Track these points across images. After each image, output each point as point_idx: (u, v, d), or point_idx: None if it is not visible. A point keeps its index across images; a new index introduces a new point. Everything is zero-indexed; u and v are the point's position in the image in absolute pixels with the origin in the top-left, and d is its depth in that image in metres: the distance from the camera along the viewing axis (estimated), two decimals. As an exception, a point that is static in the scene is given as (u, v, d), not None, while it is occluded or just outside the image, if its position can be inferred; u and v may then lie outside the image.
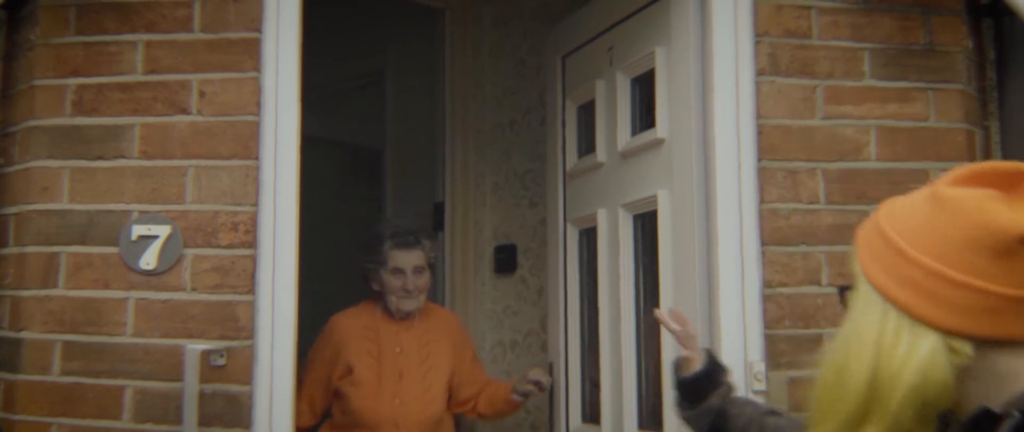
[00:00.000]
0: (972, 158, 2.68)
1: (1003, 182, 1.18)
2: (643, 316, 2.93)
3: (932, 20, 2.69)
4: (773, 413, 2.08)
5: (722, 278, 2.54)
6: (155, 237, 2.46)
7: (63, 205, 2.49)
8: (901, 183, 2.61)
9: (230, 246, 2.47)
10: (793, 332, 2.53)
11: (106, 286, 2.46)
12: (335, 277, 4.40)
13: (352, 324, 3.28)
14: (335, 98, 4.77)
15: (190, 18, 2.53)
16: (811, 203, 2.58)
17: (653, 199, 2.81)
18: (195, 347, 2.39)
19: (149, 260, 2.45)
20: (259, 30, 2.53)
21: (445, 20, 4.18)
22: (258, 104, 2.50)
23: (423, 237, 3.36)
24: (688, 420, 2.15)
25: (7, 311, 2.52)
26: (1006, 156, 2.74)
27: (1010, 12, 2.57)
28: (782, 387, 2.51)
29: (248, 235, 2.47)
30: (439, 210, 4.14)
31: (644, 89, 2.96)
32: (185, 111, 2.50)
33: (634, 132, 2.99)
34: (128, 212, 2.48)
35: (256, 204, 2.48)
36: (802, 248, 2.57)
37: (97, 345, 2.43)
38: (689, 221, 2.65)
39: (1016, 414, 1.09)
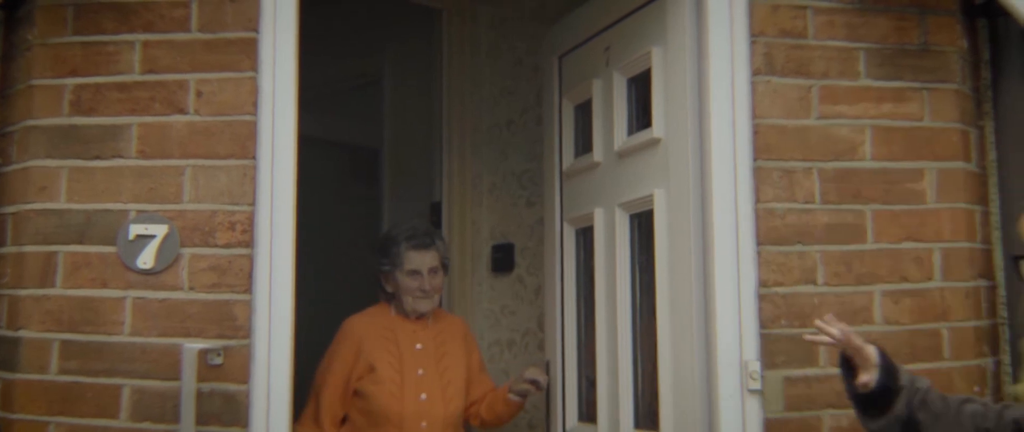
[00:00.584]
0: (967, 158, 2.69)
1: None
2: (639, 315, 2.94)
3: (927, 20, 2.70)
4: (969, 401, 2.05)
5: (718, 277, 2.55)
6: (153, 236, 2.47)
7: (61, 204, 2.49)
8: (896, 183, 2.63)
9: (227, 245, 2.47)
10: (789, 331, 2.54)
11: (104, 285, 2.46)
12: (333, 276, 4.41)
13: (369, 324, 3.27)
14: (333, 98, 4.77)
15: (187, 18, 2.54)
16: (807, 202, 2.59)
17: (649, 198, 2.82)
18: (192, 346, 2.40)
19: (147, 259, 2.46)
20: (256, 30, 2.53)
21: (443, 20, 4.19)
22: (255, 104, 2.51)
23: (437, 237, 3.39)
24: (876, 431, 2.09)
25: (5, 310, 2.53)
26: (1001, 156, 2.75)
27: (1004, 12, 2.58)
28: (778, 386, 2.52)
29: (245, 235, 2.48)
30: (436, 209, 4.15)
31: (640, 89, 2.97)
32: (182, 111, 2.51)
33: (630, 132, 3.00)
34: (126, 212, 2.48)
35: (253, 204, 2.49)
36: (798, 247, 2.57)
37: (95, 344, 2.44)
38: (685, 220, 2.66)
39: None
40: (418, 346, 3.25)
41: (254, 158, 2.50)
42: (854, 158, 2.62)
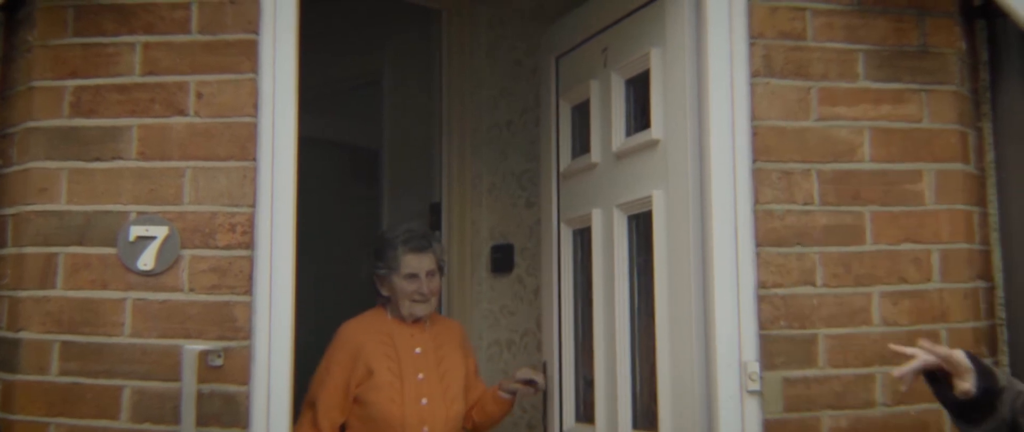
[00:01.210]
0: (965, 159, 2.70)
1: None
2: (637, 315, 2.95)
3: (926, 22, 2.71)
4: None
5: (717, 278, 2.56)
6: (153, 238, 2.47)
7: (61, 206, 2.50)
8: (895, 184, 2.63)
9: (228, 247, 2.48)
10: (788, 332, 2.55)
11: (104, 287, 2.47)
12: (333, 276, 4.42)
13: (366, 328, 3.21)
14: (333, 98, 4.78)
15: (188, 20, 2.54)
16: (806, 204, 2.60)
17: (648, 199, 2.82)
18: (193, 347, 2.40)
19: (147, 261, 2.46)
20: (256, 32, 2.54)
21: (442, 21, 4.19)
22: (255, 105, 2.52)
23: (434, 240, 3.33)
24: None
25: (5, 311, 2.53)
26: (999, 157, 2.75)
27: (1003, 14, 2.59)
28: (777, 387, 2.52)
29: (245, 236, 2.48)
30: (436, 210, 4.16)
31: (639, 90, 2.97)
32: (183, 112, 2.51)
33: (629, 133, 3.00)
34: (126, 213, 2.49)
35: (254, 205, 2.49)
36: (797, 249, 2.58)
37: (95, 345, 2.44)
38: (684, 222, 2.66)
39: None
40: (417, 350, 3.21)
41: (254, 160, 2.50)
42: (853, 159, 2.63)
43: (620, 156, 3.00)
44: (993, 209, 2.75)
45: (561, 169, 3.37)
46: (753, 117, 2.61)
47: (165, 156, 2.50)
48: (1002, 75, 2.76)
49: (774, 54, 2.63)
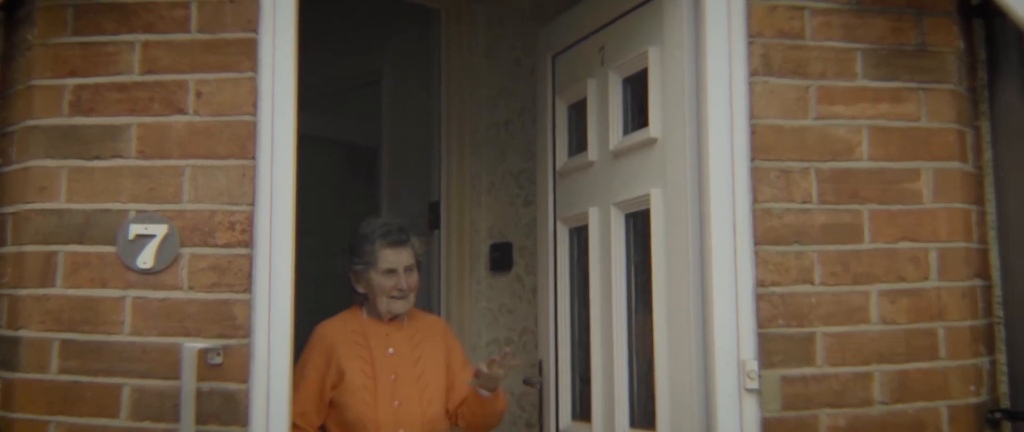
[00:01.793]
0: (963, 158, 2.70)
1: None
2: (635, 314, 2.95)
3: (924, 21, 2.71)
4: None
5: (715, 277, 2.56)
6: (152, 236, 2.47)
7: (61, 204, 2.50)
8: (893, 183, 2.64)
9: (227, 245, 2.48)
10: (786, 331, 2.55)
11: (103, 285, 2.47)
12: (332, 274, 4.41)
13: (339, 329, 3.13)
14: (332, 97, 4.78)
15: (187, 19, 2.54)
16: (804, 203, 2.60)
17: (646, 198, 2.82)
18: (192, 346, 2.41)
19: (146, 259, 2.47)
20: (255, 31, 2.54)
21: (441, 20, 4.20)
22: (255, 104, 2.52)
23: (412, 234, 3.22)
24: None
25: (5, 310, 2.53)
26: (997, 156, 2.76)
27: (1001, 13, 2.59)
28: (775, 385, 2.52)
29: (245, 234, 2.49)
30: (435, 209, 4.17)
31: (636, 89, 2.98)
32: (182, 111, 2.52)
33: (626, 131, 3.01)
34: (125, 211, 2.49)
35: (253, 203, 2.50)
36: (795, 247, 2.58)
37: (95, 344, 2.45)
38: (682, 220, 2.67)
39: None
40: (390, 351, 3.11)
41: (253, 158, 2.51)
42: (851, 158, 2.63)
43: (617, 154, 3.01)
44: (991, 208, 2.76)
45: (557, 167, 3.38)
46: (751, 116, 2.61)
47: (164, 155, 2.51)
48: (1000, 74, 2.77)
49: (772, 53, 2.63)
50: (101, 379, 2.43)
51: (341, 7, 4.43)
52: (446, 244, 4.10)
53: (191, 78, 2.52)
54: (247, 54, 2.53)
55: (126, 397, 2.43)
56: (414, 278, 3.17)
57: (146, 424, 2.42)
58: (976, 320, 2.67)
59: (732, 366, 2.53)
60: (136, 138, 2.51)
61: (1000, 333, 2.72)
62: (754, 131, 2.60)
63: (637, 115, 2.98)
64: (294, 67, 2.56)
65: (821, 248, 2.59)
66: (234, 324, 2.46)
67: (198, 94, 2.52)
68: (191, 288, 2.47)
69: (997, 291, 2.73)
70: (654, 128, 2.82)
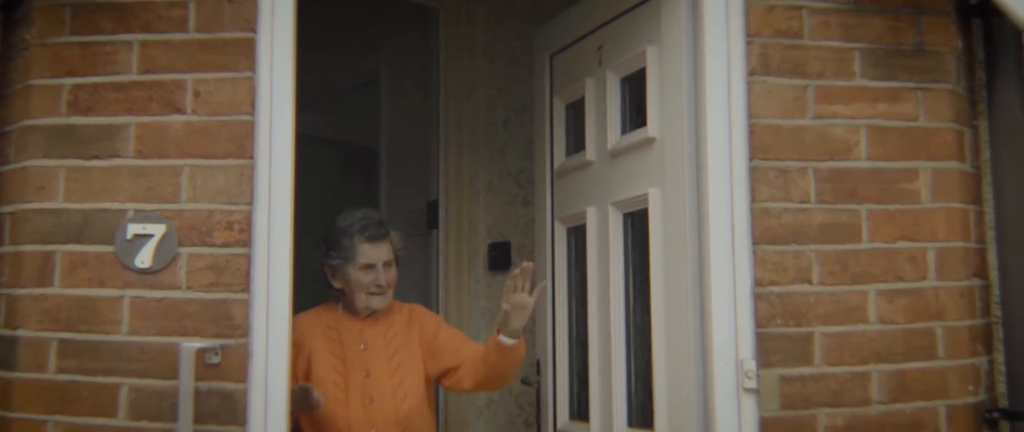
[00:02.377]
0: (961, 158, 2.70)
1: None
2: (633, 314, 2.95)
3: (922, 20, 2.71)
4: None
5: (713, 276, 2.56)
6: (150, 236, 2.47)
7: (59, 204, 2.50)
8: (891, 182, 2.64)
9: (225, 245, 2.48)
10: (784, 330, 2.55)
11: (101, 285, 2.47)
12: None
13: (313, 323, 3.06)
14: (331, 98, 4.78)
15: (185, 18, 2.54)
16: (802, 202, 2.60)
17: (644, 198, 2.83)
18: (190, 345, 2.41)
19: (144, 259, 2.47)
20: (254, 30, 2.54)
21: (439, 20, 4.20)
22: (253, 104, 2.52)
23: (391, 228, 3.12)
24: None
25: (3, 309, 2.53)
26: (995, 156, 2.76)
27: (999, 12, 2.59)
28: (773, 385, 2.53)
29: (243, 234, 2.48)
30: (433, 208, 4.17)
31: (634, 88, 2.98)
32: (180, 111, 2.52)
33: (624, 131, 3.01)
34: (123, 211, 2.49)
35: (251, 203, 2.50)
36: (793, 247, 2.58)
37: (92, 343, 2.45)
38: (680, 219, 2.67)
39: None
40: (362, 347, 3.04)
41: (252, 158, 2.51)
42: (849, 158, 2.63)
43: (615, 154, 3.01)
44: (989, 207, 2.76)
45: (555, 167, 3.38)
46: (750, 115, 2.61)
47: (163, 154, 2.51)
48: (998, 74, 2.77)
49: (771, 52, 2.63)
50: (99, 379, 2.43)
51: (339, 7, 4.44)
52: (445, 243, 4.10)
53: (189, 78, 2.52)
54: (245, 54, 2.53)
55: (124, 397, 2.43)
56: (393, 273, 3.08)
57: (144, 424, 2.42)
58: (974, 320, 2.67)
59: (730, 366, 2.53)
60: (134, 138, 2.51)
61: (998, 333, 2.72)
62: (752, 131, 2.60)
63: (635, 115, 2.98)
64: (292, 67, 2.56)
65: (819, 248, 2.59)
66: (232, 324, 2.45)
67: (196, 94, 2.52)
68: (189, 288, 2.47)
69: (995, 291, 2.74)
70: (652, 128, 2.82)
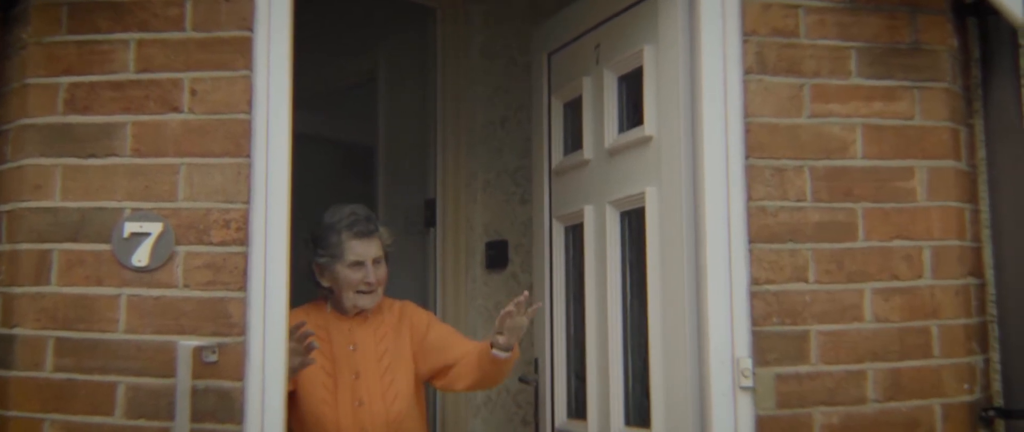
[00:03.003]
0: (957, 156, 2.71)
1: None
2: (630, 312, 2.96)
3: (918, 19, 2.72)
4: None
5: (710, 275, 2.56)
6: (147, 234, 2.47)
7: (55, 203, 2.50)
8: (887, 181, 2.64)
9: (222, 243, 2.48)
10: (780, 329, 2.56)
11: (99, 283, 2.47)
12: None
13: (301, 319, 2.89)
14: (328, 96, 4.78)
15: (182, 17, 2.54)
16: (798, 201, 2.61)
17: (641, 196, 2.83)
18: (187, 343, 2.41)
19: (141, 257, 2.47)
20: (251, 29, 2.54)
21: (437, 19, 4.20)
22: (250, 102, 2.52)
23: (380, 224, 3.06)
24: None
25: (0, 308, 2.53)
26: (991, 154, 2.76)
27: (995, 11, 2.60)
28: (769, 383, 2.53)
29: (240, 232, 2.49)
30: (431, 206, 4.17)
31: (631, 87, 2.98)
32: (177, 109, 2.52)
33: (621, 129, 3.01)
34: (120, 210, 2.49)
35: (248, 202, 2.50)
36: (789, 245, 2.59)
37: (90, 342, 2.45)
38: (677, 218, 2.67)
39: None
40: (351, 347, 2.99)
41: (249, 156, 2.51)
42: (845, 156, 2.64)
43: (613, 153, 3.01)
44: (984, 206, 2.76)
45: (553, 166, 3.38)
46: (746, 114, 2.61)
47: (159, 153, 2.51)
48: (994, 72, 2.77)
49: (767, 51, 2.64)
50: (96, 377, 2.43)
51: (337, 6, 4.44)
52: (442, 242, 4.10)
53: (186, 76, 2.52)
54: (242, 52, 2.53)
55: (121, 395, 2.43)
56: (382, 271, 3.03)
57: (141, 422, 2.42)
58: (970, 318, 2.67)
59: (727, 364, 2.54)
60: (131, 136, 2.51)
61: (994, 331, 2.73)
62: (748, 129, 2.61)
63: (632, 113, 2.98)
64: (289, 65, 2.56)
65: (815, 246, 2.59)
66: (229, 322, 2.46)
67: (193, 92, 2.52)
68: (186, 286, 2.47)
69: (990, 289, 2.74)
70: (649, 126, 2.82)
